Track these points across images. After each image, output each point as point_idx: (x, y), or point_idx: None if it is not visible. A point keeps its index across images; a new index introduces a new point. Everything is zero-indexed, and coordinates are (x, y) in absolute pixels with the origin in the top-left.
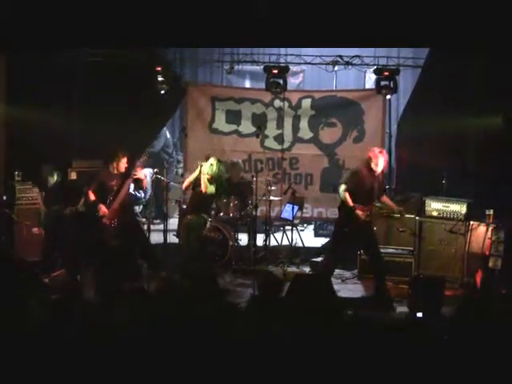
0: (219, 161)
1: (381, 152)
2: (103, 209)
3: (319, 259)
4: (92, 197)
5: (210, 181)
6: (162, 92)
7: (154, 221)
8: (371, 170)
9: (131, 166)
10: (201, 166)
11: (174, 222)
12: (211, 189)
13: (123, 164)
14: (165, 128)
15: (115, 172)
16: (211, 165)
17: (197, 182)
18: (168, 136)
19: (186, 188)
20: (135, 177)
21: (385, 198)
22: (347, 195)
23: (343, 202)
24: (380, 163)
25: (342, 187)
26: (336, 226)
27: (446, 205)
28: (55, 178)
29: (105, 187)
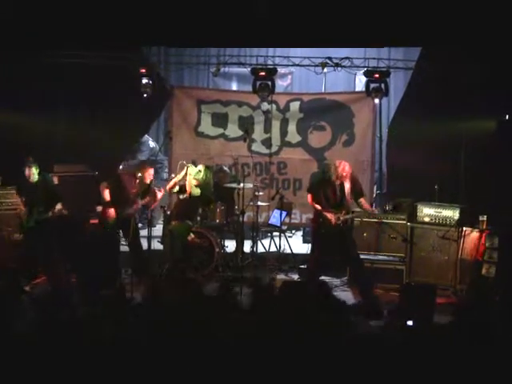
0: (207, 167)
1: (338, 166)
2: (112, 213)
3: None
4: (107, 196)
5: (197, 186)
6: (146, 95)
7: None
8: (330, 181)
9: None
10: (187, 168)
11: (158, 229)
12: (196, 191)
13: (149, 175)
14: (147, 137)
15: (138, 181)
16: (199, 171)
17: (182, 188)
18: (152, 145)
19: (170, 189)
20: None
21: (361, 200)
22: (311, 201)
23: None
24: (338, 176)
25: (308, 194)
26: (312, 228)
27: (439, 210)
28: (36, 175)
29: (123, 192)
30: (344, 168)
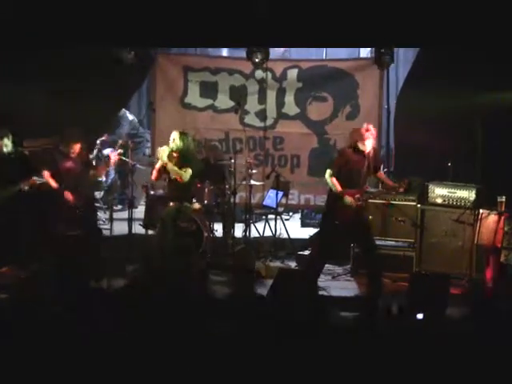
0: (182, 133)
1: (367, 130)
2: (69, 195)
3: (306, 253)
4: (53, 183)
5: (180, 160)
6: (128, 62)
7: (116, 208)
8: (359, 151)
9: (91, 146)
10: (160, 153)
11: (140, 211)
12: (187, 174)
13: (78, 145)
14: (124, 110)
15: (71, 155)
16: (173, 140)
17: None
18: (131, 118)
19: (157, 179)
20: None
21: (380, 174)
22: (334, 180)
23: (331, 189)
24: (368, 143)
25: (328, 172)
26: (324, 215)
27: (452, 191)
28: (9, 147)
29: (60, 171)
30: (375, 132)
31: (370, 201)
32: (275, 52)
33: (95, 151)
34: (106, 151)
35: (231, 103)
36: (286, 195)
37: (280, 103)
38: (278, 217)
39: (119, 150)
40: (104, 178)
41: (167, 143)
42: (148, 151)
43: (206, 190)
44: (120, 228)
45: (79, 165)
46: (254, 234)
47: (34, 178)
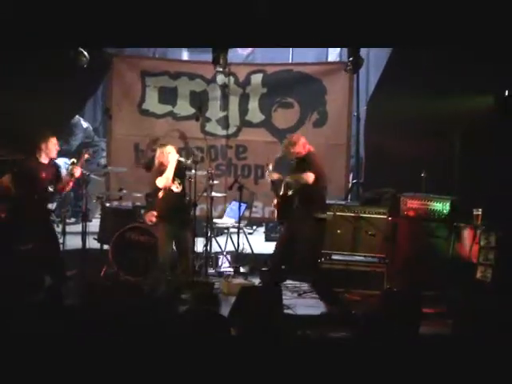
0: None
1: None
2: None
3: None
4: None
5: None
6: (82, 65)
7: (69, 221)
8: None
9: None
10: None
11: (94, 224)
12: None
13: (54, 147)
14: (77, 117)
15: (44, 161)
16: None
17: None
18: (85, 126)
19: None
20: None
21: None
22: None
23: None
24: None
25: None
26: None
27: (426, 203)
28: None
29: (33, 179)
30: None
31: (339, 213)
32: (238, 55)
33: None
34: (60, 161)
35: (192, 110)
36: (249, 208)
37: (243, 110)
38: (241, 230)
39: (73, 159)
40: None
41: (123, 152)
42: (104, 161)
43: None
44: (73, 242)
45: (49, 175)
46: (215, 248)
47: None
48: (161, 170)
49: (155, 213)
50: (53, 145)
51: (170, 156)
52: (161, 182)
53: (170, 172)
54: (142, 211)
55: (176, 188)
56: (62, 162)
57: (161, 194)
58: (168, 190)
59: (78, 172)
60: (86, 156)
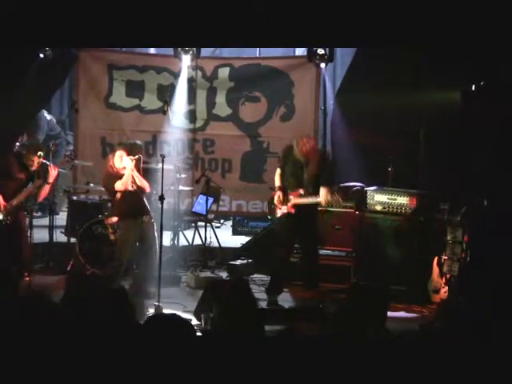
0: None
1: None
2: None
3: (238, 262)
4: None
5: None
6: (45, 59)
7: (36, 214)
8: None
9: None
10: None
11: (61, 217)
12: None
13: (37, 160)
14: (42, 112)
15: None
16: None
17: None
18: (49, 118)
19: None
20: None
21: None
22: (278, 175)
23: None
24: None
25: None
26: None
27: (393, 197)
28: None
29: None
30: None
31: None
32: (205, 49)
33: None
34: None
35: (159, 103)
36: (216, 201)
37: (211, 103)
38: (208, 224)
39: (40, 153)
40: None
41: (90, 145)
42: (70, 154)
43: None
44: (40, 236)
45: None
46: (182, 242)
47: None
48: (114, 173)
49: (115, 218)
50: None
51: (123, 159)
52: (119, 185)
53: (127, 175)
54: (109, 205)
55: (131, 187)
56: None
57: (118, 195)
58: (124, 190)
59: (54, 173)
60: (52, 149)
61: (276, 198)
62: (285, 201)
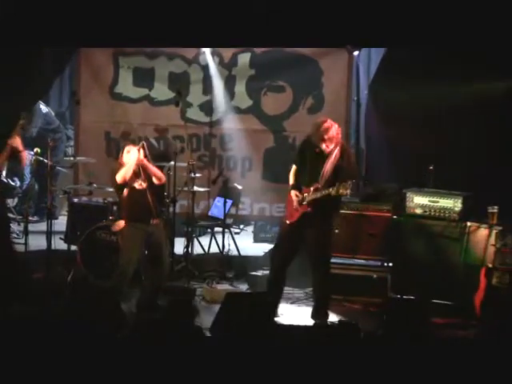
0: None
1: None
2: None
3: (260, 273)
4: None
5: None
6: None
7: (32, 219)
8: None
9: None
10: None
11: (61, 222)
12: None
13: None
14: (38, 104)
15: None
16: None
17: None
18: (45, 110)
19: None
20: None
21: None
22: (292, 172)
23: None
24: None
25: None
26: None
27: (435, 199)
28: None
29: None
30: (327, 128)
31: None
32: None
33: None
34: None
35: (171, 94)
36: (235, 204)
37: (229, 94)
38: (227, 230)
39: (36, 149)
40: (18, 183)
41: (93, 141)
42: (71, 151)
43: None
44: (37, 243)
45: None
46: (197, 250)
47: None
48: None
49: (122, 222)
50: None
51: (130, 154)
52: (118, 176)
53: (128, 165)
54: (115, 208)
55: (139, 186)
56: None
57: (125, 192)
58: (131, 189)
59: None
60: (51, 145)
61: (294, 197)
62: (301, 201)
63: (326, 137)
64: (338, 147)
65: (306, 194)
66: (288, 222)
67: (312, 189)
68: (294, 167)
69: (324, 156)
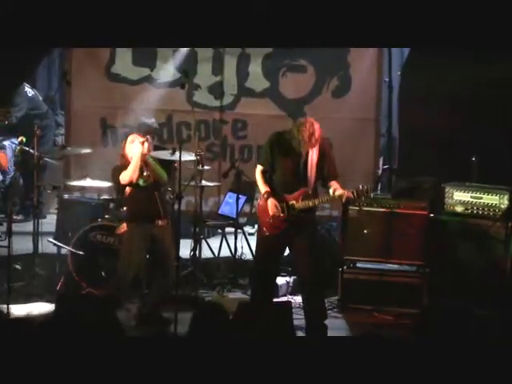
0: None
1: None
2: None
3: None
4: None
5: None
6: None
7: (17, 218)
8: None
9: None
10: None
11: (49, 221)
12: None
13: None
14: (23, 86)
15: None
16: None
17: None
18: (31, 93)
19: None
20: None
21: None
22: (261, 176)
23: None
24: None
25: (258, 167)
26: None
27: (478, 195)
28: None
29: None
30: (313, 129)
31: (366, 209)
32: None
33: None
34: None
35: (176, 74)
36: (250, 201)
37: (242, 75)
38: (239, 230)
39: (21, 138)
40: (0, 177)
41: (87, 128)
42: (61, 140)
43: None
44: (22, 245)
45: None
46: (206, 253)
47: None
48: (126, 164)
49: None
50: None
51: (133, 146)
52: (124, 176)
53: (134, 163)
54: (112, 205)
55: (142, 182)
56: (8, 143)
57: (128, 191)
58: (134, 186)
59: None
60: (38, 133)
61: (271, 207)
62: (284, 209)
63: (313, 139)
64: (321, 144)
65: (293, 202)
66: (268, 234)
67: (300, 196)
68: (260, 168)
69: (300, 156)
